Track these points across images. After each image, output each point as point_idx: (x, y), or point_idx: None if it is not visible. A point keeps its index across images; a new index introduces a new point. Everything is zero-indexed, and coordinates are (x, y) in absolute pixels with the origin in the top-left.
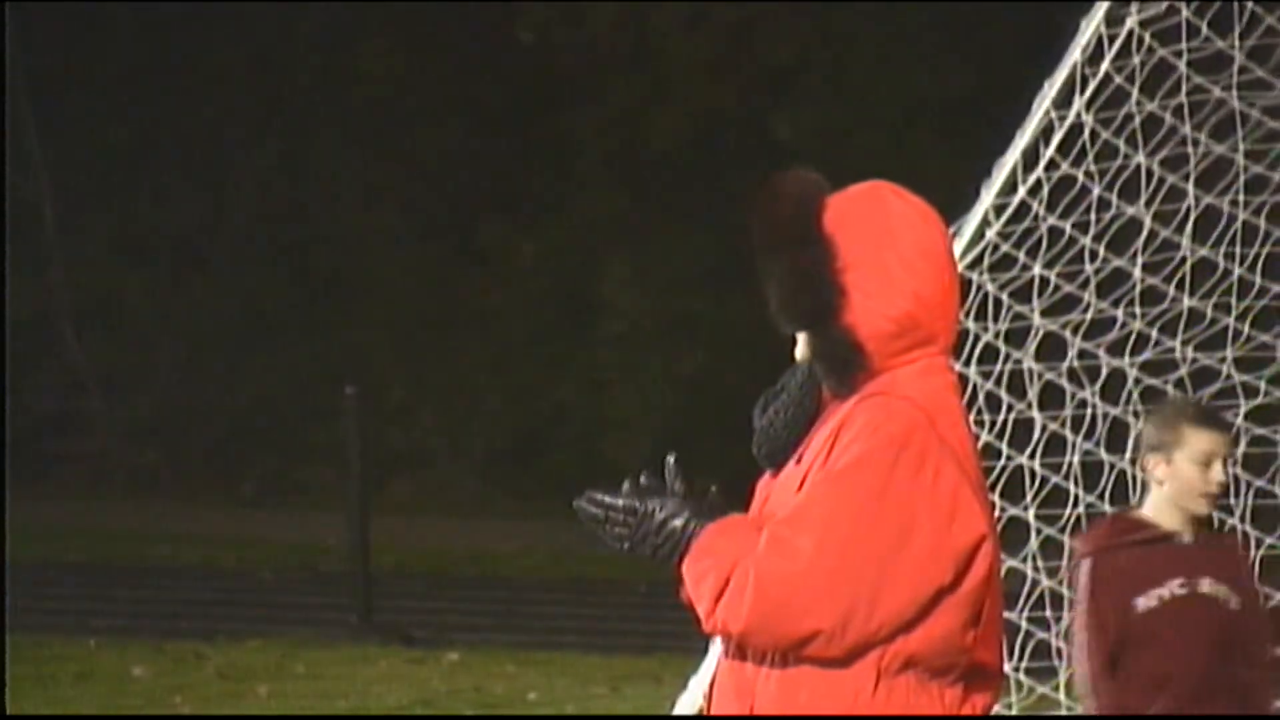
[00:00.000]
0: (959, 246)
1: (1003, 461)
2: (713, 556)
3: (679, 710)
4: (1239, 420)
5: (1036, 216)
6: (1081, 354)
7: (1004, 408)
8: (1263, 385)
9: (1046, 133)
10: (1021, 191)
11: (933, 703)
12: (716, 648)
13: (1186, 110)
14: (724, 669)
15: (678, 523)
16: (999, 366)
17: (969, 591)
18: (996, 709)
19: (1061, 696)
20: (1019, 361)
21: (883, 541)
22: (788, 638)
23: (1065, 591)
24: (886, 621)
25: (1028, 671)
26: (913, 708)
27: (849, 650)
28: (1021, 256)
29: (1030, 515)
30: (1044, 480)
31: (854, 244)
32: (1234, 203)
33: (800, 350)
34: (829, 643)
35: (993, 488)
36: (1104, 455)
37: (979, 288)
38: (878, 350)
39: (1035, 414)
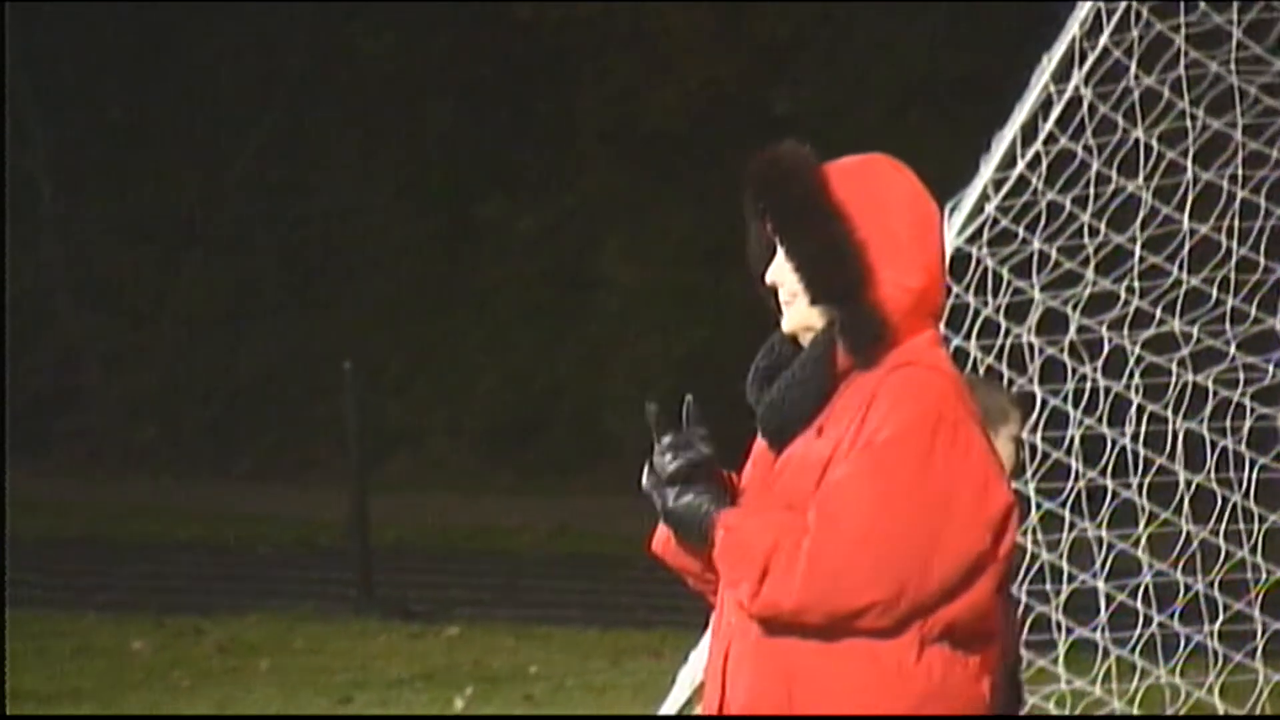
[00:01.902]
0: (958, 220)
1: None
2: (747, 539)
3: (679, 685)
4: (1239, 396)
5: (1036, 191)
6: (1081, 329)
7: (1004, 382)
8: (1270, 369)
9: (1045, 107)
10: (1020, 166)
11: (964, 672)
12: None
13: (1185, 85)
14: (750, 646)
15: (697, 502)
16: (999, 341)
17: (1001, 559)
18: None
19: (1061, 670)
20: (1019, 336)
21: (930, 511)
22: (842, 610)
23: (1065, 565)
24: (935, 590)
25: (1027, 644)
26: (948, 678)
27: (899, 621)
28: (1021, 231)
29: (1030, 489)
30: (1044, 454)
31: (869, 217)
32: (1233, 179)
33: (793, 322)
34: (882, 614)
35: None
36: (1105, 430)
37: (978, 262)
38: (900, 323)
39: (1035, 388)
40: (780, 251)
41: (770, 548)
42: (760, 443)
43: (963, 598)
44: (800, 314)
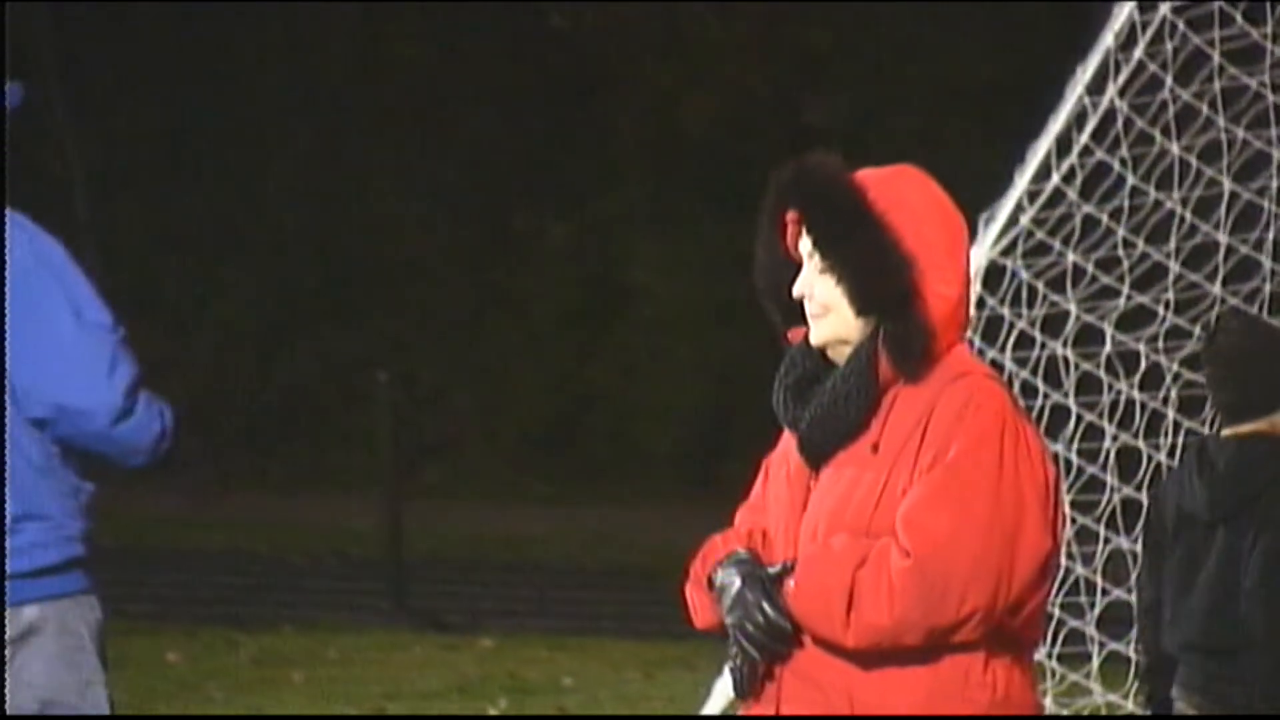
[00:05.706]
0: (993, 232)
1: None
2: (819, 581)
3: (715, 696)
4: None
5: (1071, 203)
6: (1117, 342)
7: (1040, 395)
8: None
9: (1080, 119)
10: (1055, 178)
11: (1021, 680)
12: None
13: (1220, 100)
14: (806, 669)
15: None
16: (1034, 353)
17: (1058, 563)
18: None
19: (1095, 685)
20: (1054, 349)
21: (1009, 518)
22: (943, 625)
23: (1099, 580)
24: (1017, 596)
25: (1060, 658)
26: (1010, 687)
27: (988, 630)
28: (1056, 244)
29: (1065, 502)
30: (1079, 469)
31: (911, 227)
32: (1263, 192)
33: (825, 335)
34: (979, 624)
35: None
36: (1141, 445)
37: (1013, 275)
38: (944, 333)
39: (1071, 402)
40: (814, 262)
41: (850, 581)
42: (789, 459)
43: (1029, 604)
44: (835, 326)
